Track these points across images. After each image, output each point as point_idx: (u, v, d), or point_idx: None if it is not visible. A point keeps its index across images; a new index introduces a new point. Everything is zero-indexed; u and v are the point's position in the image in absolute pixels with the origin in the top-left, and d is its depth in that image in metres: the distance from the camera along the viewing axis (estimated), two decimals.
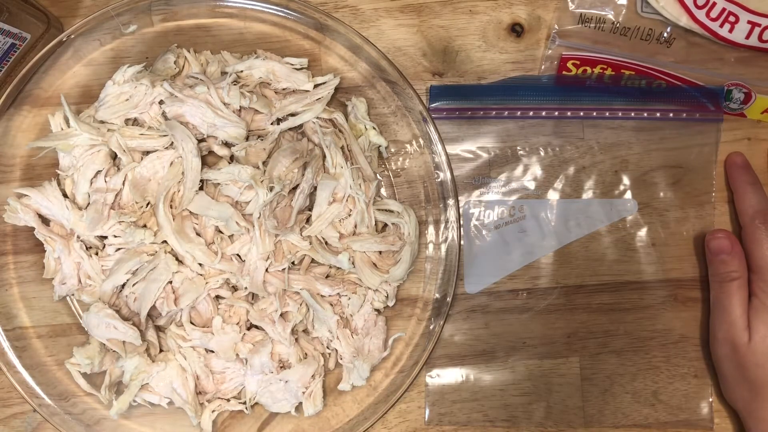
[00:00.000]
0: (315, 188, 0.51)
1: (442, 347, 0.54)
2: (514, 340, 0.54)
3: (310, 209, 0.52)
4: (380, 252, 0.52)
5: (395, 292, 0.53)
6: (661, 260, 0.55)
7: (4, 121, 0.53)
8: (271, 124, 0.52)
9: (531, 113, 0.55)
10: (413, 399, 0.54)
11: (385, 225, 0.53)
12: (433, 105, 0.54)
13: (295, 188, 0.51)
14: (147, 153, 0.51)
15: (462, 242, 0.54)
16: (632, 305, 0.55)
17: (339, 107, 0.53)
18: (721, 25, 0.54)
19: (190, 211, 0.51)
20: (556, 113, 0.55)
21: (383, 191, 0.54)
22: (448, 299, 0.52)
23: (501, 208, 0.55)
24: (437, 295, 0.53)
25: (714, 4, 0.53)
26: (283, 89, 0.53)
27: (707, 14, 0.53)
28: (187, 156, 0.50)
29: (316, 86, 0.53)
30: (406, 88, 0.52)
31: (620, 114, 0.55)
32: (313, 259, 0.52)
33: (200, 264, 0.51)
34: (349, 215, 0.52)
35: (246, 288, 0.51)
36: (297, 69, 0.53)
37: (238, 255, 0.51)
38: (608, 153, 0.55)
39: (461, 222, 0.54)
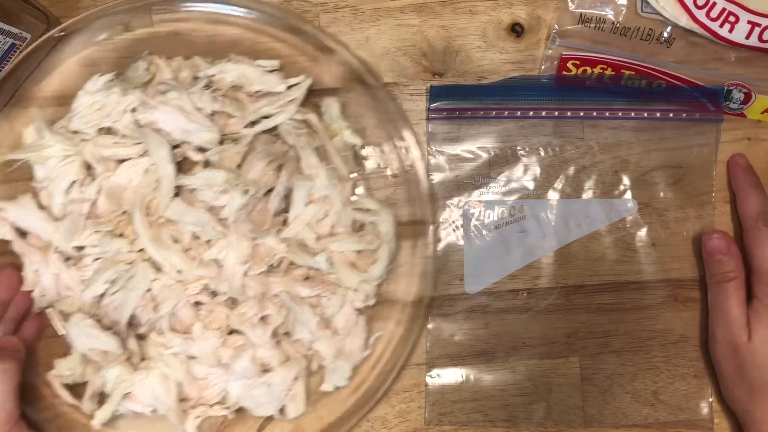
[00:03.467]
0: (291, 190, 0.51)
1: (442, 347, 0.54)
2: (514, 340, 0.54)
3: (288, 211, 0.52)
4: (358, 251, 0.52)
5: (375, 290, 0.53)
6: (661, 260, 0.55)
7: None
8: (245, 127, 0.52)
9: (531, 113, 0.55)
10: (413, 399, 0.54)
11: (363, 224, 0.53)
12: (433, 105, 0.54)
13: (271, 191, 0.51)
14: (122, 161, 0.51)
15: (462, 242, 0.54)
16: (632, 305, 0.55)
17: (313, 108, 0.53)
18: (721, 25, 0.54)
19: (167, 218, 0.51)
20: (556, 113, 0.55)
21: (359, 190, 0.54)
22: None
23: (501, 208, 0.55)
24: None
25: (714, 4, 0.53)
26: (256, 92, 0.53)
27: (707, 14, 0.53)
28: (161, 163, 0.50)
29: (288, 88, 0.53)
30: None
31: (620, 114, 0.55)
32: (292, 261, 0.52)
33: (178, 271, 0.50)
34: (326, 216, 0.52)
35: (225, 293, 0.51)
36: (269, 71, 0.53)
37: (216, 260, 0.51)
38: (608, 153, 0.55)
39: (461, 222, 0.54)
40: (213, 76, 0.52)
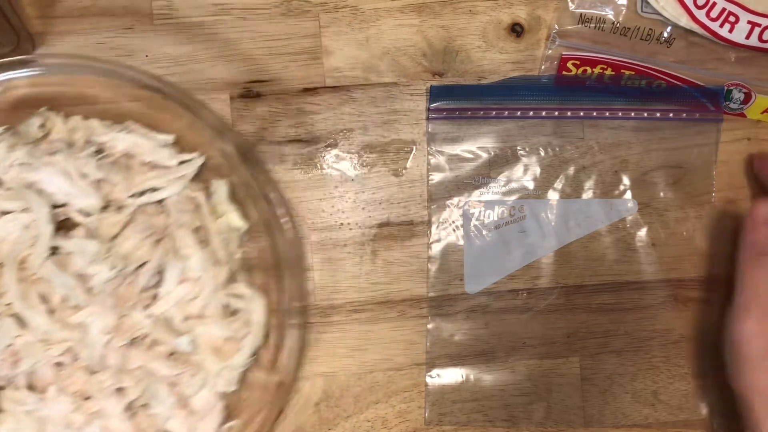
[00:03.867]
0: (165, 267, 0.51)
1: (442, 347, 0.54)
2: (514, 340, 0.54)
3: (161, 286, 0.51)
4: (226, 337, 0.51)
5: (239, 377, 0.52)
6: (661, 260, 0.55)
7: None
8: (131, 196, 0.51)
9: (531, 113, 0.55)
10: (413, 399, 0.54)
11: (237, 309, 0.52)
12: (433, 105, 0.54)
13: (144, 264, 0.51)
14: (4, 213, 0.51)
15: (462, 242, 0.54)
16: (632, 305, 0.55)
17: (204, 187, 0.53)
18: (721, 25, 0.54)
19: (40, 277, 0.50)
20: (556, 113, 0.55)
21: (239, 274, 0.53)
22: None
23: (501, 208, 0.55)
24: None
25: (714, 4, 0.53)
26: (149, 162, 0.52)
27: (707, 14, 0.53)
28: (39, 221, 0.50)
29: (180, 163, 0.52)
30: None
31: (620, 114, 0.55)
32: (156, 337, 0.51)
33: (43, 330, 0.50)
34: (197, 297, 0.51)
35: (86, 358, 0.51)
36: (163, 145, 0.52)
37: (81, 324, 0.50)
38: (608, 153, 0.55)
39: (461, 222, 0.54)
40: (105, 142, 0.52)
